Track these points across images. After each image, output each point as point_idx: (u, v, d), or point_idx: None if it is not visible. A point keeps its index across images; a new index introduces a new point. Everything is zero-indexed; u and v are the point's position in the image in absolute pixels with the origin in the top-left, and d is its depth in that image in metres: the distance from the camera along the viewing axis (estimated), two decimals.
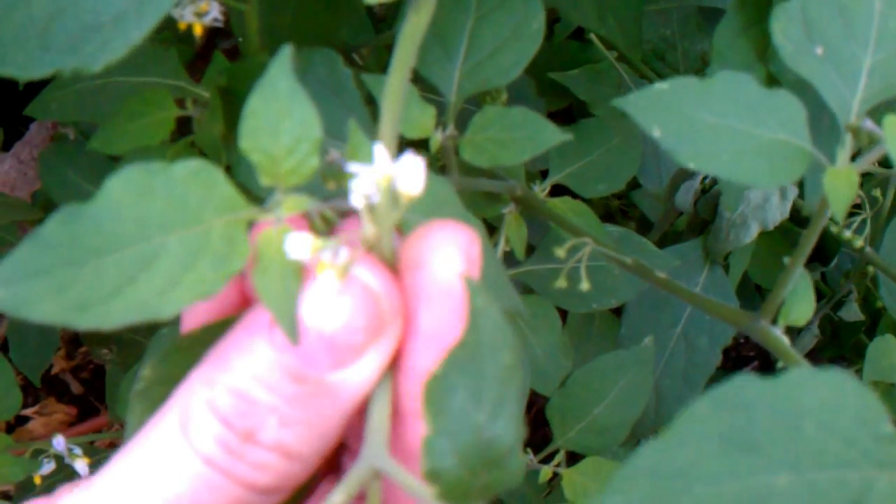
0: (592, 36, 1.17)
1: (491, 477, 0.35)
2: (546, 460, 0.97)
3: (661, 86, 0.51)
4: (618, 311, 1.14)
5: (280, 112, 0.46)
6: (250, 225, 0.45)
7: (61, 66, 0.52)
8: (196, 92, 0.72)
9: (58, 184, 0.92)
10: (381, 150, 0.40)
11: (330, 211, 0.48)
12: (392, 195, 0.40)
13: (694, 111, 0.50)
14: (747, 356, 1.59)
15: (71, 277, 0.39)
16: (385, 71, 0.44)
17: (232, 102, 0.69)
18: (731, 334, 1.06)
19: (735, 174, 0.50)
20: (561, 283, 0.78)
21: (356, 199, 0.40)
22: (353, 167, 0.40)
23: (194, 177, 0.45)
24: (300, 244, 0.41)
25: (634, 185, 1.22)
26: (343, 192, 0.47)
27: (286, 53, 0.47)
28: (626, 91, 1.19)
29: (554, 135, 0.67)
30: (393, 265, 0.41)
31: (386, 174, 0.39)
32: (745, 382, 0.33)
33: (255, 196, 0.48)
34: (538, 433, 1.02)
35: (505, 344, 0.36)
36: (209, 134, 0.69)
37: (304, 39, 0.76)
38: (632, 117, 0.50)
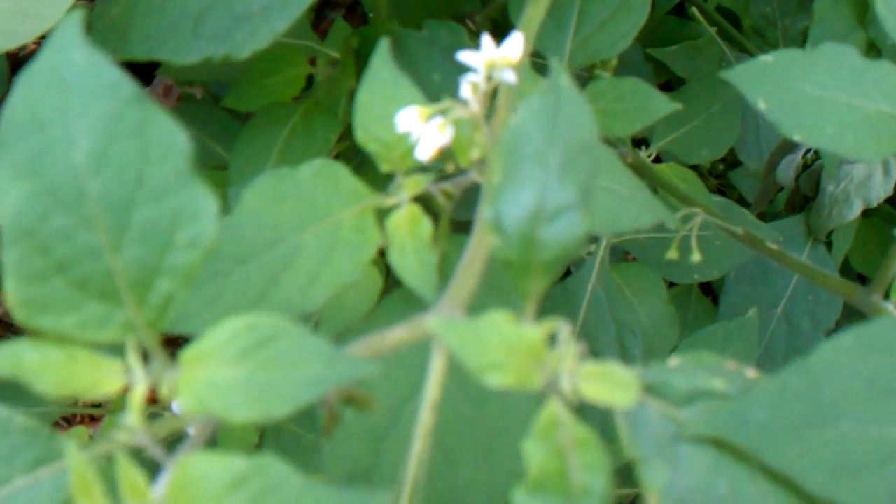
0: (694, 10, 1.17)
1: (552, 232, 0.36)
2: None
3: (765, 58, 0.52)
4: (706, 290, 1.15)
5: (387, 100, 0.50)
6: (378, 211, 0.48)
7: (212, 53, 0.56)
8: (324, 51, 0.75)
9: None
10: (486, 39, 0.43)
11: (450, 187, 0.51)
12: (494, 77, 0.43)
13: (798, 83, 0.51)
14: None
15: (221, 288, 0.41)
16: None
17: (360, 64, 0.72)
18: (835, 318, 1.04)
19: (839, 147, 0.50)
20: (672, 254, 0.78)
21: (465, 89, 0.44)
22: (462, 55, 0.43)
23: (319, 175, 0.49)
24: (409, 116, 0.45)
25: (733, 164, 1.22)
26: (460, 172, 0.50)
27: (385, 46, 0.50)
28: (728, 66, 1.19)
29: (664, 104, 0.68)
30: (489, 144, 0.44)
31: (490, 57, 0.43)
32: (889, 326, 0.35)
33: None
34: None
35: (585, 125, 0.38)
36: (336, 92, 0.72)
37: (429, 9, 0.78)
38: (737, 88, 0.52)
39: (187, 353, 0.35)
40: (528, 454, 0.33)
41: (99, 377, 0.34)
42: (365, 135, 0.50)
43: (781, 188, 1.10)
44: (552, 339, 0.36)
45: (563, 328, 0.36)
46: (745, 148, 1.14)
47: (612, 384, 0.35)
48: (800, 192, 1.07)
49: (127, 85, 0.35)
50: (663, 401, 0.36)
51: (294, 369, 0.34)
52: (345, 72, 0.72)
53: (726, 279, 1.05)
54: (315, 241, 0.47)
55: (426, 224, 0.49)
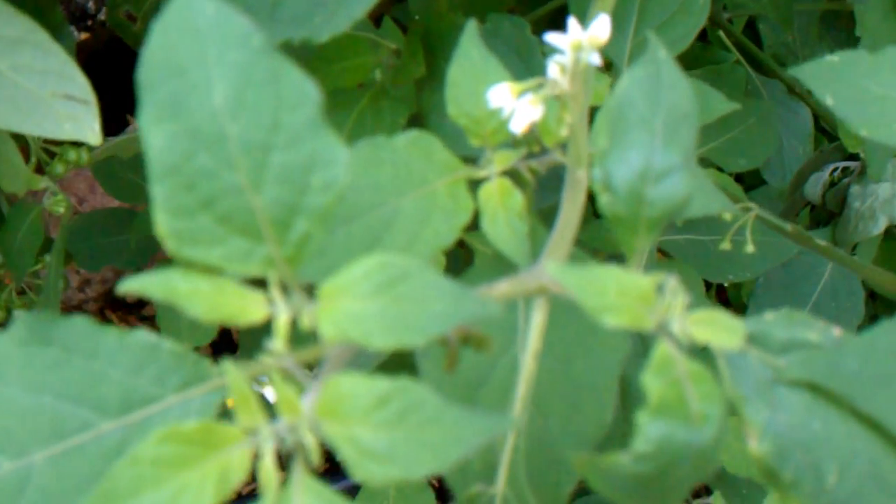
0: (722, 34, 1.19)
1: (659, 192, 0.40)
2: None
3: (831, 58, 0.54)
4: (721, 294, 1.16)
5: (477, 78, 0.52)
6: (469, 182, 0.51)
7: (290, 36, 0.58)
8: (384, 42, 0.78)
9: None
10: (573, 21, 0.45)
11: (535, 164, 0.54)
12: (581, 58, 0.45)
13: (864, 82, 0.53)
14: None
15: (326, 244, 0.41)
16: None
17: (424, 54, 0.75)
18: (858, 321, 1.08)
19: None
20: (725, 245, 0.81)
21: (552, 70, 0.46)
22: (549, 36, 0.45)
23: (414, 145, 0.52)
24: (502, 92, 0.47)
25: (754, 185, 1.25)
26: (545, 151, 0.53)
27: (473, 26, 0.53)
28: (755, 91, 1.22)
29: (722, 103, 0.71)
30: (581, 123, 0.46)
31: (577, 38, 0.45)
32: None
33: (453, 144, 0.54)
34: None
35: (684, 94, 0.40)
36: (401, 79, 0.75)
37: (486, 4, 0.81)
38: (805, 84, 0.54)
39: (325, 287, 0.37)
40: (648, 385, 0.36)
41: (245, 306, 0.37)
42: (456, 109, 0.53)
43: (807, 204, 1.13)
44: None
45: (670, 280, 0.39)
46: (769, 167, 1.17)
47: (720, 328, 0.38)
48: (825, 209, 1.10)
49: (257, 35, 0.37)
50: (762, 349, 0.38)
51: (424, 305, 0.36)
52: (412, 59, 0.74)
53: (756, 284, 1.08)
54: (413, 205, 0.50)
55: (517, 195, 0.52)
